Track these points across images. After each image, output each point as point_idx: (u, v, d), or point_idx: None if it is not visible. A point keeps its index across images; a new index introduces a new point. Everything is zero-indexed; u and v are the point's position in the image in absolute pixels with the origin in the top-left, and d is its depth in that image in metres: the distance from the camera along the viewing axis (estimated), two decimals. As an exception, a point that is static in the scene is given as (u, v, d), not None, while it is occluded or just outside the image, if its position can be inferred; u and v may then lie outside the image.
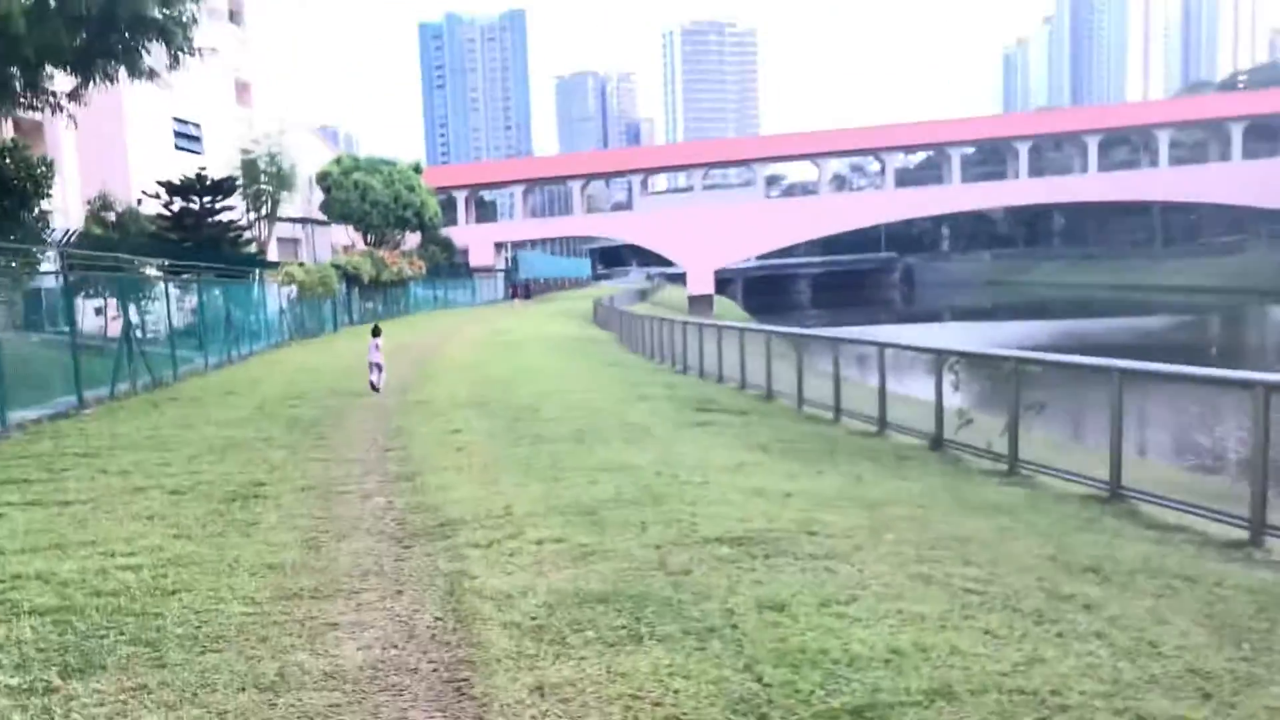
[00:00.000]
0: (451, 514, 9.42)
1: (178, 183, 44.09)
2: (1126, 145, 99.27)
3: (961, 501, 10.29)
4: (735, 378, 23.94)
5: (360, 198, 64.55)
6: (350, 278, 51.40)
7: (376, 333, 22.41)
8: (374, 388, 21.53)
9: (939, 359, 14.43)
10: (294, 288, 42.01)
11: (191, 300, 29.17)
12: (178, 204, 44.15)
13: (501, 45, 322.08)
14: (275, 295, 40.08)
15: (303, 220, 65.30)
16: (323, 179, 66.07)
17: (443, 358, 30.95)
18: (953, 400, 14.24)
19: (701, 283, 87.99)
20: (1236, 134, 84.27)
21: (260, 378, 25.96)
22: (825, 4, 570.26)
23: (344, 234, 68.99)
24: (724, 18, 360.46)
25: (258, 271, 38.75)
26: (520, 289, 78.01)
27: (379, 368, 21.86)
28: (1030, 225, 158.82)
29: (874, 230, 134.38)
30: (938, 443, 14.01)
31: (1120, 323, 70.85)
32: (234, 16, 57.22)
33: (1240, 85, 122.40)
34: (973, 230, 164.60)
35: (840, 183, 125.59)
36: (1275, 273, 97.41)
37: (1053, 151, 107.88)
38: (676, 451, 12.82)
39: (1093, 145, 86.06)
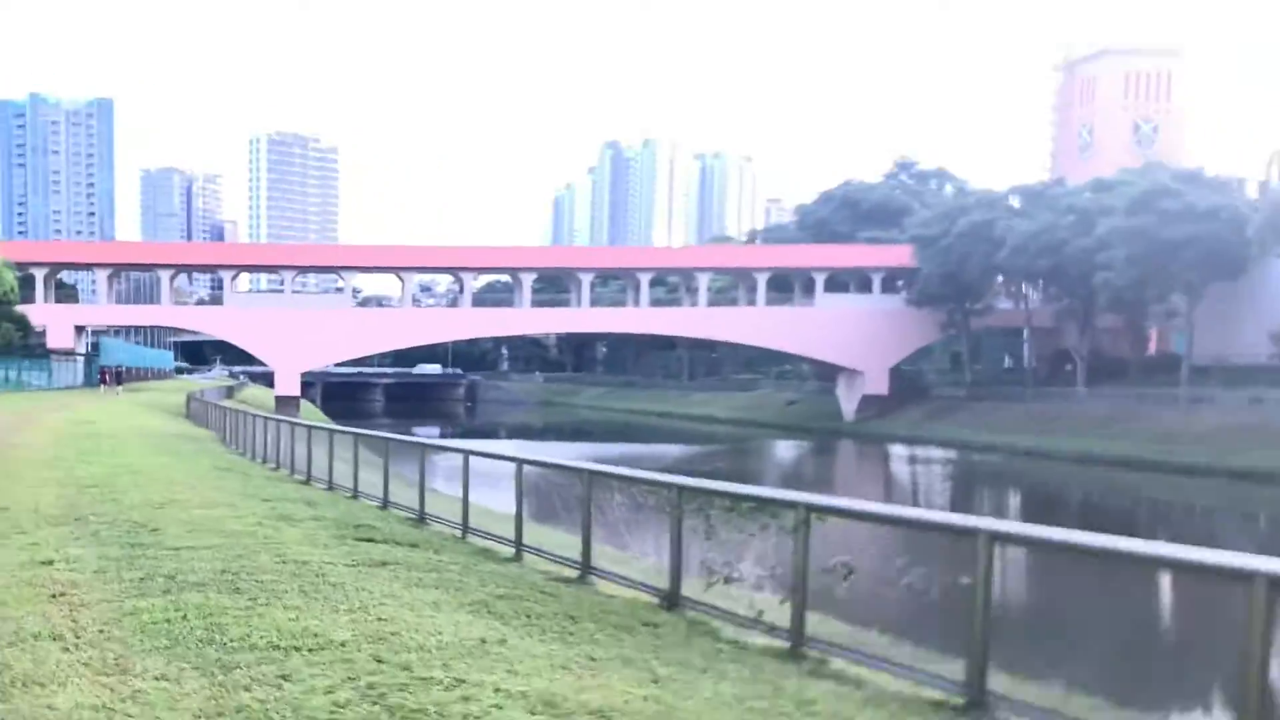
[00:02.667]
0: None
1: None
2: (665, 286, 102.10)
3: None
4: (347, 486, 19.92)
5: (-74, 265, 53.88)
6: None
7: None
8: None
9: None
10: None
11: None
12: None
13: (87, 131, 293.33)
14: None
15: None
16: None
17: (20, 450, 24.26)
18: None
19: (289, 384, 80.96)
20: (761, 282, 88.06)
21: None
22: (404, 132, 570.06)
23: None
24: (308, 132, 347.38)
25: None
26: (112, 375, 68.22)
27: None
28: (578, 352, 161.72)
29: (442, 346, 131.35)
30: (673, 601, 10.46)
31: (663, 449, 71.36)
32: None
33: (756, 242, 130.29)
34: (529, 353, 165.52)
35: (415, 300, 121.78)
36: (779, 409, 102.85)
37: (609, 284, 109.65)
38: (379, 614, 8.59)
39: (645, 281, 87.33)
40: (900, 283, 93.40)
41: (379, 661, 7.08)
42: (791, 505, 8.75)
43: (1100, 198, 75.47)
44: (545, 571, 12.09)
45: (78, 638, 7.59)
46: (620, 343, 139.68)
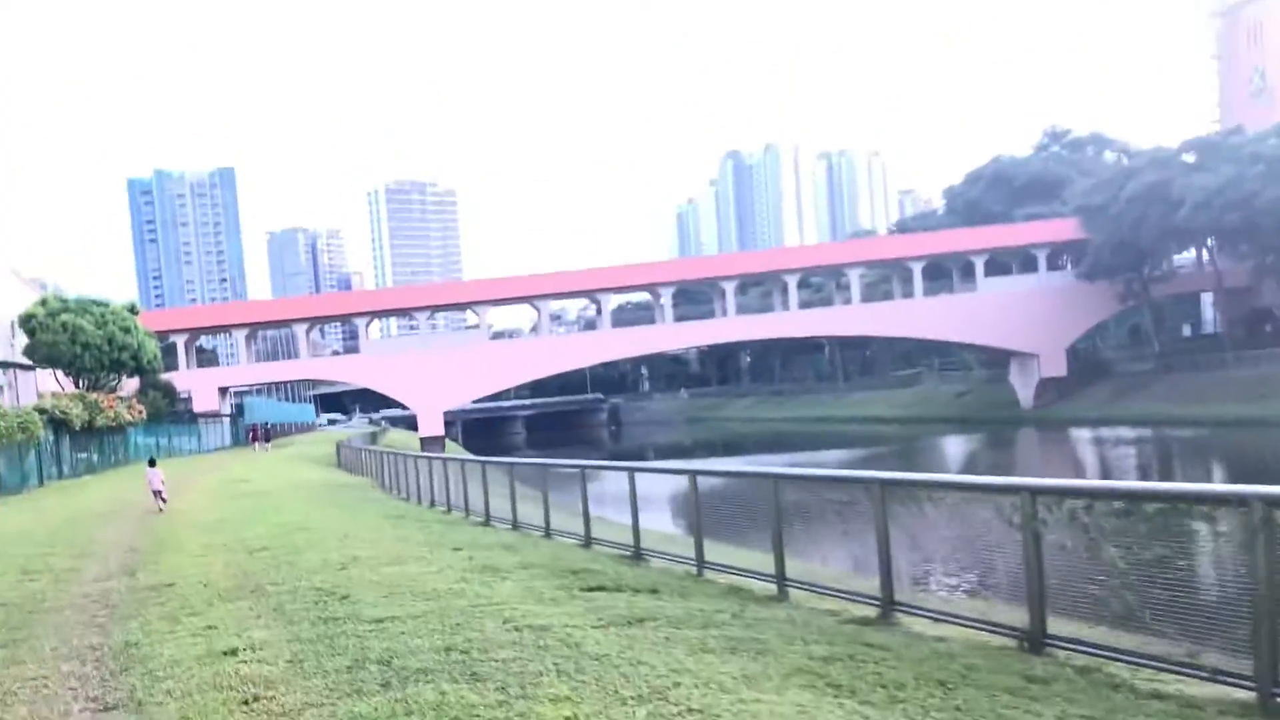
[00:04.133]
0: None
1: None
2: (810, 287, 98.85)
3: None
4: (534, 524, 18.17)
5: (70, 340, 54.08)
6: (58, 423, 41.64)
7: (153, 463, 25.93)
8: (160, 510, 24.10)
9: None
10: (-14, 436, 32.68)
11: None
12: None
13: (212, 200, 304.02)
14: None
15: (2, 364, 54.27)
16: (26, 321, 55.30)
17: (179, 515, 22.95)
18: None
19: (432, 424, 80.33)
20: (917, 271, 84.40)
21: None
22: (518, 169, 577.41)
23: (54, 381, 57.99)
24: (425, 178, 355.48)
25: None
26: (260, 432, 68.58)
27: (160, 494, 24.66)
28: (721, 365, 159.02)
29: (579, 373, 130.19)
30: (1037, 642, 8.02)
31: (826, 455, 68.13)
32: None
33: (900, 232, 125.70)
34: (669, 371, 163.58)
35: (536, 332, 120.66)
36: (947, 402, 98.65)
37: (748, 292, 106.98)
38: (684, 701, 6.39)
39: (792, 283, 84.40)
40: (1065, 258, 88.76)
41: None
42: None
43: (1290, 143, 70.43)
44: (832, 611, 9.74)
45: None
46: (765, 351, 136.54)
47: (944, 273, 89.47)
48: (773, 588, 11.25)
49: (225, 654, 8.57)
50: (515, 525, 18.91)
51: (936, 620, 9.07)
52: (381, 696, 6.83)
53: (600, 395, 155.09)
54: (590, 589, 11.06)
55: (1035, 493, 7.98)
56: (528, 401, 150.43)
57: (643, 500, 14.81)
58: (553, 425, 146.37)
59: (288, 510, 23.10)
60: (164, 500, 24.77)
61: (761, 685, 6.69)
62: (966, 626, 8.63)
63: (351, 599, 10.70)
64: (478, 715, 6.25)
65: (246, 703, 7.02)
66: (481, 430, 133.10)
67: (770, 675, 6.96)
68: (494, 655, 7.79)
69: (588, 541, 15.94)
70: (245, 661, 8.23)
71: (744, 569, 11.98)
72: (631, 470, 14.52)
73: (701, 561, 12.81)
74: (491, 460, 22.04)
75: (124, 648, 9.22)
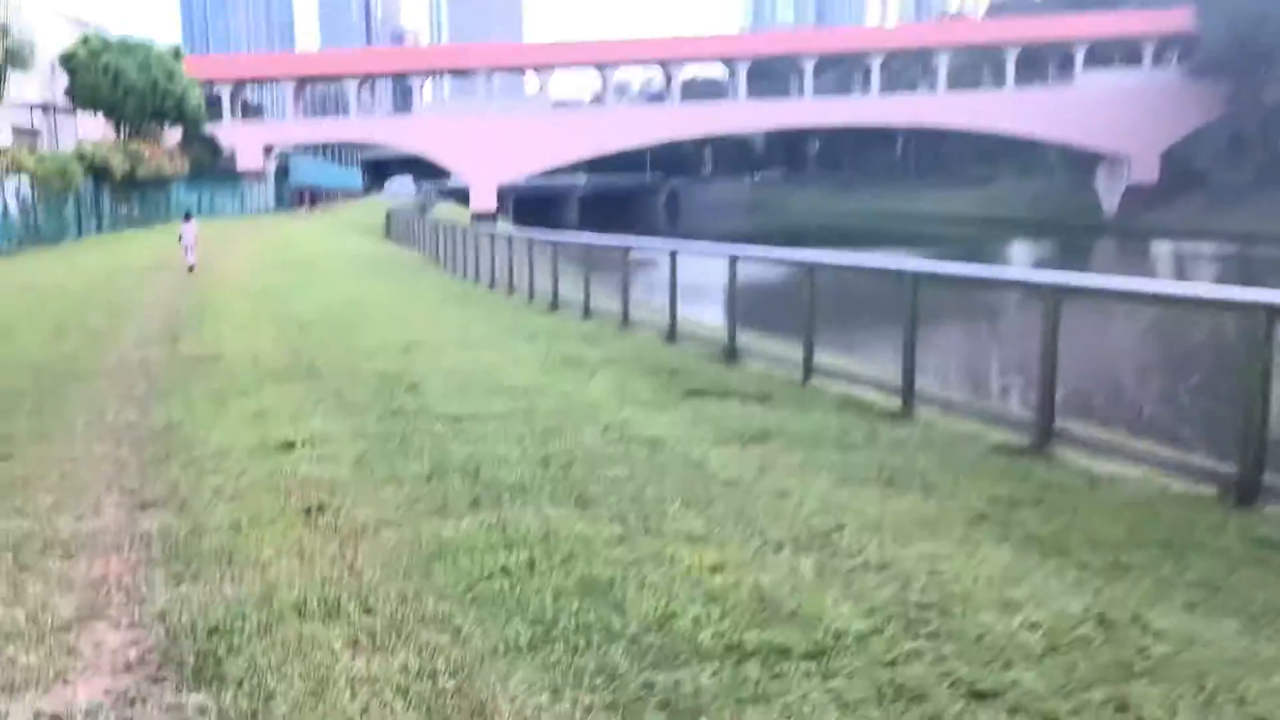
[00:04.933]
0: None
1: None
2: (889, 72, 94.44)
3: None
4: (609, 310, 16.81)
5: (112, 83, 52.49)
6: (98, 173, 40.66)
7: (188, 217, 26.45)
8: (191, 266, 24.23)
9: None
10: (23, 179, 31.74)
11: None
12: None
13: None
14: (-2, 190, 29.98)
15: (43, 106, 53.02)
16: (68, 60, 53.68)
17: (224, 281, 22.06)
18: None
19: (485, 198, 78.47)
20: (1010, 60, 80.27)
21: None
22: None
23: (96, 129, 56.81)
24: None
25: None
26: (307, 196, 67.46)
27: (189, 250, 24.73)
28: (788, 152, 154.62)
29: (638, 153, 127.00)
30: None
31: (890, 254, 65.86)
32: None
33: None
34: (734, 155, 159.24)
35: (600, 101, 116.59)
36: (1026, 203, 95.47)
37: (822, 76, 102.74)
38: (846, 545, 5.23)
39: (876, 65, 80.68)
40: (1172, 54, 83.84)
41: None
42: (1248, 309, 7.01)
43: None
44: (970, 436, 8.53)
45: (369, 613, 4.51)
46: (834, 140, 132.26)
47: (1039, 63, 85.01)
48: (894, 403, 10.07)
49: (280, 448, 7.57)
50: (587, 313, 17.75)
51: (1096, 457, 7.89)
52: (471, 518, 5.79)
53: (660, 176, 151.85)
54: (692, 393, 9.94)
55: (1276, 311, 6.61)
56: (582, 179, 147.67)
57: (717, 292, 13.66)
58: (608, 206, 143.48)
59: (338, 282, 22.14)
60: (193, 258, 24.81)
61: (944, 534, 5.55)
62: (1150, 469, 7.38)
63: (420, 389, 9.66)
64: (595, 553, 5.18)
65: (309, 512, 6.00)
66: (533, 208, 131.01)
67: (951, 520, 5.80)
68: (601, 472, 6.71)
69: (672, 335, 14.75)
70: (304, 459, 7.22)
71: (862, 377, 10.80)
72: (732, 258, 13.20)
73: (810, 367, 11.61)
74: (562, 239, 20.67)
75: (165, 429, 8.27)
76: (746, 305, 13.50)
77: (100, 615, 4.56)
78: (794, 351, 11.33)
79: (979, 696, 3.71)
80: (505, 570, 4.95)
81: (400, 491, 6.38)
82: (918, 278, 9.93)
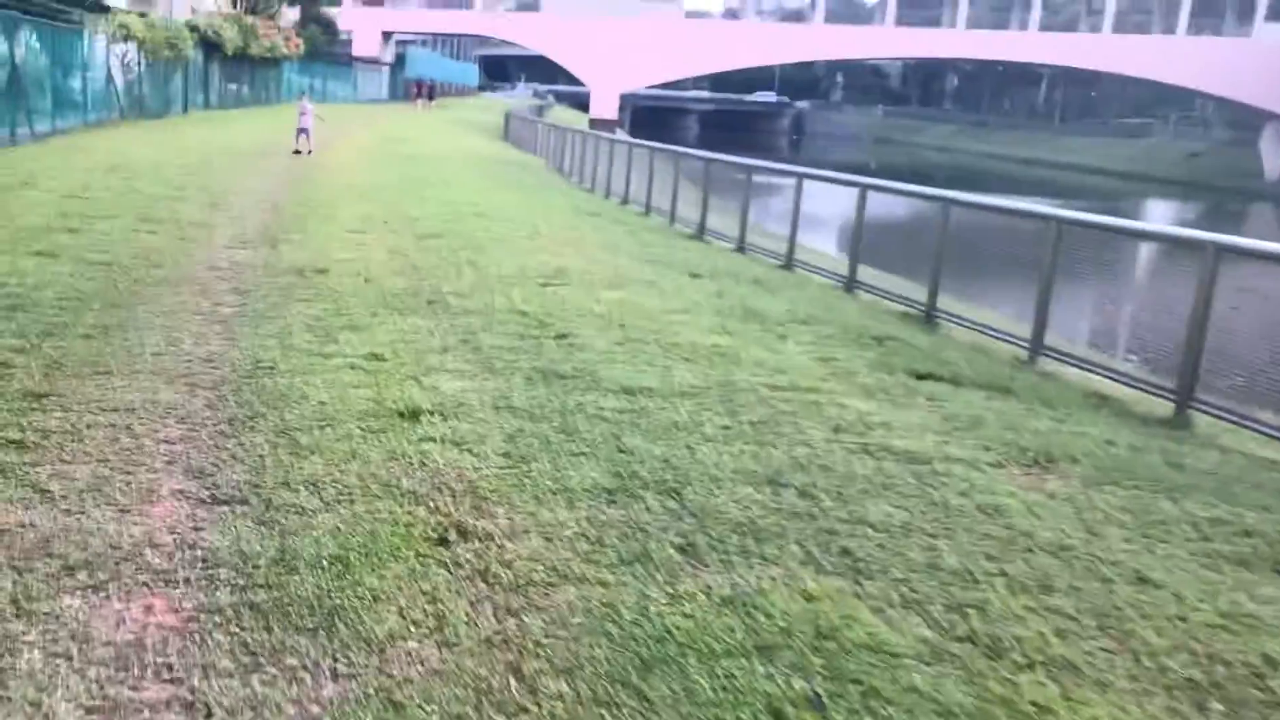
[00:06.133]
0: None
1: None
2: (1049, 9, 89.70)
3: None
4: (766, 248, 15.35)
5: (232, -51, 51.26)
6: (210, 46, 39.33)
7: (305, 96, 27.06)
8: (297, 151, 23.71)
9: None
10: (131, 47, 30.39)
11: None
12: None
13: None
14: (104, 54, 28.63)
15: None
16: (187, -72, 52.37)
17: (334, 175, 20.39)
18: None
19: (606, 106, 76.39)
20: (1186, 3, 75.43)
21: (26, 179, 15.38)
22: None
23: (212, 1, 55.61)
24: None
25: (80, 16, 27.19)
26: (426, 89, 65.96)
27: (306, 132, 24.12)
28: (925, 84, 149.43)
29: (767, 71, 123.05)
30: None
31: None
32: None
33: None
34: (867, 83, 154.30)
35: (734, 15, 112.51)
36: (1176, 162, 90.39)
37: (974, 5, 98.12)
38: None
39: (1037, 1, 76.44)
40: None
41: None
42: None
43: None
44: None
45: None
46: (975, 75, 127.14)
47: (1218, 10, 79.93)
48: (1152, 402, 8.00)
49: (402, 416, 5.74)
50: (741, 247, 15.78)
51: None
52: (691, 583, 3.90)
53: (786, 99, 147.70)
54: (918, 375, 7.93)
55: None
56: (705, 94, 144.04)
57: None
58: (729, 124, 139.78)
59: (458, 186, 20.33)
60: (310, 143, 24.32)
61: None
62: None
63: (574, 341, 7.78)
64: (902, 682, 3.27)
65: (445, 544, 4.17)
66: (651, 120, 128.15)
67: None
68: (863, 511, 4.76)
69: (850, 284, 12.74)
70: (434, 439, 5.38)
71: (1105, 369, 8.75)
72: (946, 202, 11.17)
73: (1039, 346, 9.54)
74: (716, 156, 18.53)
75: (252, 372, 6.46)
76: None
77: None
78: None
79: None
80: (775, 712, 3.07)
81: (574, 515, 4.51)
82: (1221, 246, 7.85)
